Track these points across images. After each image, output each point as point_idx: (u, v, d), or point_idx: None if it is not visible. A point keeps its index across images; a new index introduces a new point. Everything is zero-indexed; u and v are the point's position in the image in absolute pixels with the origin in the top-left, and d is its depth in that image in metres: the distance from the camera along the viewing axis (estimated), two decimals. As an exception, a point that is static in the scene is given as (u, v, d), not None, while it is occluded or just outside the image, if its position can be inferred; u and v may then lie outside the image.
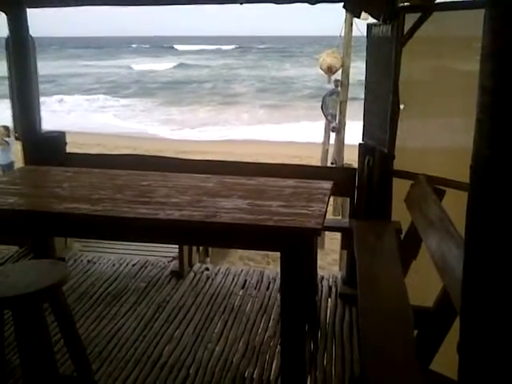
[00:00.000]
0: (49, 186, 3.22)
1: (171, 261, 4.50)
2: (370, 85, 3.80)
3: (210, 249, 5.84)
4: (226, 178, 3.15)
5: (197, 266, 4.29)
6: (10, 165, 9.73)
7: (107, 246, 5.27)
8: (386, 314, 2.56)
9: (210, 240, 2.77)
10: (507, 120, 1.08)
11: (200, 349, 3.13)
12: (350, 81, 10.29)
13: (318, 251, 3.80)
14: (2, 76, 4.91)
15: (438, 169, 3.49)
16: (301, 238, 2.39)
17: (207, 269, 4.24)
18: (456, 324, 2.26)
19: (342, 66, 10.15)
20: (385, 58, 3.47)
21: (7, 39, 4.22)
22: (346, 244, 3.75)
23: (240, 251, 8.38)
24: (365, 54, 3.78)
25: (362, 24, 4.65)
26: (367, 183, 3.73)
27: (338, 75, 10.49)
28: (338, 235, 4.21)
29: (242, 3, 3.88)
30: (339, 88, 10.54)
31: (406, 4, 3.52)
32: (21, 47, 4.18)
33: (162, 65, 48.06)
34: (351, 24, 9.54)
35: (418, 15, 3.41)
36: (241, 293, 3.85)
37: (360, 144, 3.82)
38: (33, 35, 4.25)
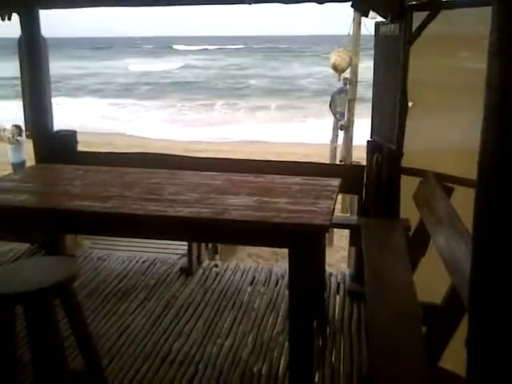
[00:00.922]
0: (60, 183, 3.26)
1: (180, 258, 4.53)
2: (378, 83, 3.80)
3: (219, 246, 5.86)
4: (233, 176, 3.17)
5: (206, 262, 4.32)
6: (22, 163, 9.82)
7: (117, 244, 5.30)
8: (395, 310, 2.57)
9: (218, 237, 2.79)
10: (514, 117, 1.09)
11: (209, 345, 3.15)
12: (358, 80, 10.29)
13: (327, 248, 3.81)
14: (14, 76, 4.96)
15: (446, 166, 3.48)
16: (309, 234, 2.41)
17: (216, 266, 4.26)
18: (465, 321, 2.27)
19: (351, 64, 10.15)
20: (393, 57, 3.47)
21: (19, 39, 4.27)
22: (354, 241, 3.75)
23: (248, 248, 8.39)
24: (372, 53, 3.78)
25: (370, 23, 4.65)
26: (376, 180, 3.73)
27: (347, 74, 10.49)
28: (347, 232, 4.22)
29: (250, 3, 3.89)
30: (348, 86, 10.53)
31: (413, 2, 3.52)
32: (33, 47, 4.23)
33: (168, 65, 47.86)
34: (359, 23, 9.55)
35: (425, 13, 3.40)
36: (249, 289, 3.87)
37: (368, 141, 3.83)
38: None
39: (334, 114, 11.39)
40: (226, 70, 45.27)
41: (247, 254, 8.48)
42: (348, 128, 10.51)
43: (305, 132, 21.15)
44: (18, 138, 9.88)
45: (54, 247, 3.95)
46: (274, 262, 8.09)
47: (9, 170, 7.62)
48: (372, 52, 3.80)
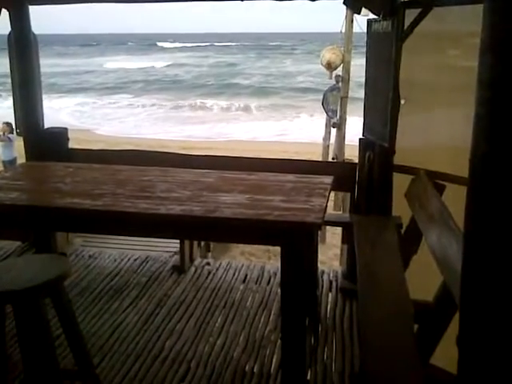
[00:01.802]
0: (51, 181, 3.23)
1: (172, 256, 4.52)
2: (370, 80, 3.80)
3: (211, 244, 5.86)
4: (226, 173, 3.15)
5: (198, 260, 4.30)
6: (13, 161, 9.78)
7: (109, 241, 5.29)
8: (387, 308, 2.57)
9: (210, 234, 2.78)
10: (505, 114, 1.08)
11: (201, 343, 3.14)
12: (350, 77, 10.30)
13: (320, 246, 3.81)
14: (4, 73, 4.91)
15: (438, 163, 3.49)
16: (301, 232, 2.40)
17: (208, 263, 4.25)
18: (456, 318, 2.28)
19: (343, 61, 10.16)
20: (385, 54, 3.47)
21: (9, 36, 4.23)
22: (346, 239, 3.76)
23: (241, 246, 8.39)
24: (364, 50, 3.78)
25: (362, 20, 4.65)
26: (368, 178, 3.73)
27: (339, 71, 10.50)
28: (340, 230, 4.22)
29: (243, 0, 3.87)
30: (340, 84, 10.53)
31: (405, -1, 3.52)
32: (23, 44, 4.19)
33: (157, 63, 47.40)
34: (352, 20, 9.56)
35: (418, 10, 3.41)
36: (242, 287, 3.87)
37: (360, 139, 3.83)
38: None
39: (327, 112, 11.40)
40: (214, 68, 44.90)
41: (240, 251, 8.48)
42: (340, 126, 10.53)
43: (296, 130, 21.16)
44: (9, 135, 9.82)
45: (44, 245, 3.91)
46: (266, 259, 8.10)
47: (-1, 168, 7.57)
48: (364, 49, 3.80)
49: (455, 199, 2.71)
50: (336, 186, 3.16)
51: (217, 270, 4.13)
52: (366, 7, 3.57)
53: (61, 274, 2.33)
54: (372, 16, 3.63)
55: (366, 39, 3.77)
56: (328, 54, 10.30)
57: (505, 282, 1.18)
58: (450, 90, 3.44)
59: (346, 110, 10.40)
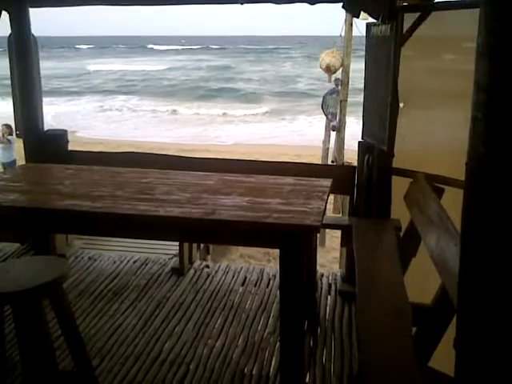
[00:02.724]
0: (50, 183, 3.24)
1: (172, 258, 4.52)
2: (369, 84, 3.81)
3: (210, 246, 5.86)
4: (225, 176, 3.16)
5: (197, 263, 4.31)
6: (13, 163, 9.78)
7: (108, 244, 5.29)
8: (385, 311, 2.57)
9: (209, 237, 2.78)
10: (502, 117, 1.09)
11: (200, 345, 3.14)
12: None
13: (319, 249, 3.81)
14: (4, 75, 4.91)
15: (437, 167, 3.50)
16: (299, 235, 2.41)
17: (207, 266, 4.26)
18: (454, 321, 2.28)
19: (342, 65, 10.18)
20: (384, 58, 3.48)
21: (9, 38, 4.24)
22: (345, 242, 3.76)
23: (241, 249, 8.40)
24: (363, 54, 3.79)
25: (361, 24, 4.67)
26: (367, 181, 3.74)
27: (339, 74, 10.52)
28: (339, 233, 4.23)
29: (242, 3, 3.89)
30: (339, 87, 10.56)
31: (404, 4, 3.53)
32: (23, 46, 4.20)
33: (155, 67, 47.17)
34: (351, 24, 9.58)
35: (416, 15, 3.42)
36: (241, 290, 3.87)
37: (360, 142, 3.84)
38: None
39: (326, 115, 11.43)
40: (209, 71, 44.58)
41: (239, 254, 8.49)
42: (340, 129, 10.54)
43: (296, 133, 21.17)
44: (9, 137, 9.84)
45: (44, 247, 3.92)
46: (266, 262, 8.11)
47: (-1, 170, 7.58)
48: (363, 53, 3.81)
49: (454, 202, 2.71)
50: (335, 189, 3.17)
51: (216, 272, 4.14)
52: (365, 11, 3.58)
53: (60, 276, 2.34)
54: (371, 20, 3.64)
55: (365, 43, 3.79)
56: (327, 58, 10.32)
57: (502, 285, 1.19)
58: (449, 94, 3.45)
59: (346, 113, 10.42)
